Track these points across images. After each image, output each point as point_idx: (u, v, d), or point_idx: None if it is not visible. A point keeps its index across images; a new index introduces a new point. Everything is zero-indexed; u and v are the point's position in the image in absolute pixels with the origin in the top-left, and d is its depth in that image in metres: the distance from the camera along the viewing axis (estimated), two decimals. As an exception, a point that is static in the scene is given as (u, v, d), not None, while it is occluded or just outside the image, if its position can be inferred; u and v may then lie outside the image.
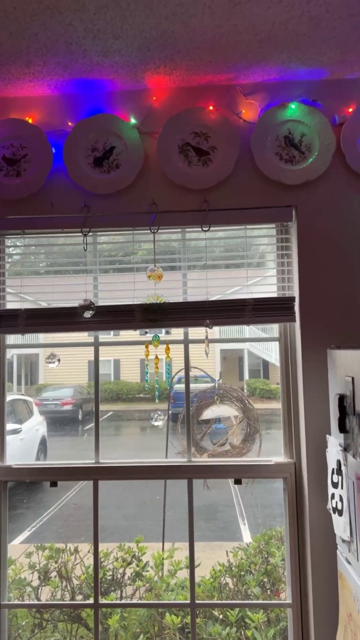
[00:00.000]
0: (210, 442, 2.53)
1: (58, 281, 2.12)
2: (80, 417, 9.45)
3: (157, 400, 2.07)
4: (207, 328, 1.98)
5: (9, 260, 2.23)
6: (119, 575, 2.88)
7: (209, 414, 2.57)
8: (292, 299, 2.02)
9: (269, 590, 2.73)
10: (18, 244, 2.24)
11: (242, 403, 2.53)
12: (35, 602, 2.79)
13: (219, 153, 2.00)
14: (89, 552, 2.31)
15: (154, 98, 2.07)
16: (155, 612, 2.67)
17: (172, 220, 2.03)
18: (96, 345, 2.14)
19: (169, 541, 3.63)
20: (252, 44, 1.80)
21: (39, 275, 2.19)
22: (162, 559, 2.97)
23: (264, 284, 2.12)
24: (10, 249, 2.24)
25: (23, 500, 5.96)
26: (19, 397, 7.95)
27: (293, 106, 2.00)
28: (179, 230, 2.12)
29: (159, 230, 2.04)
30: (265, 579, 2.75)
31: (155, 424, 2.00)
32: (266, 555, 2.86)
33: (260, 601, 2.63)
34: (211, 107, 2.01)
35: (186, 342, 2.13)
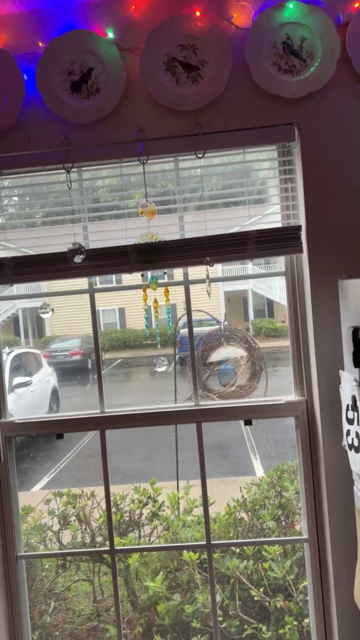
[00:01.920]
0: (218, 382, 2.48)
1: (44, 227, 1.97)
2: (89, 366, 9.54)
3: (159, 346, 1.97)
4: (208, 266, 1.85)
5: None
6: (136, 517, 2.93)
7: (216, 356, 2.51)
8: (299, 228, 1.86)
9: (283, 522, 2.77)
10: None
11: (246, 342, 2.46)
12: (57, 546, 2.86)
13: (209, 67, 1.78)
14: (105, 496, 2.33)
15: (133, 7, 1.81)
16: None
17: (163, 147, 1.84)
18: (91, 292, 2.02)
19: (184, 479, 3.68)
20: None
21: (23, 220, 2.03)
22: (178, 498, 3.01)
23: (267, 214, 1.96)
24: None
25: (39, 448, 6.10)
26: (27, 350, 7.97)
27: (291, 5, 1.75)
28: (171, 159, 1.93)
29: (149, 161, 1.86)
30: (280, 512, 2.78)
31: (159, 370, 1.92)
32: (279, 489, 2.88)
33: (276, 538, 2.66)
34: (198, 13, 1.77)
35: (186, 282, 2.00)
